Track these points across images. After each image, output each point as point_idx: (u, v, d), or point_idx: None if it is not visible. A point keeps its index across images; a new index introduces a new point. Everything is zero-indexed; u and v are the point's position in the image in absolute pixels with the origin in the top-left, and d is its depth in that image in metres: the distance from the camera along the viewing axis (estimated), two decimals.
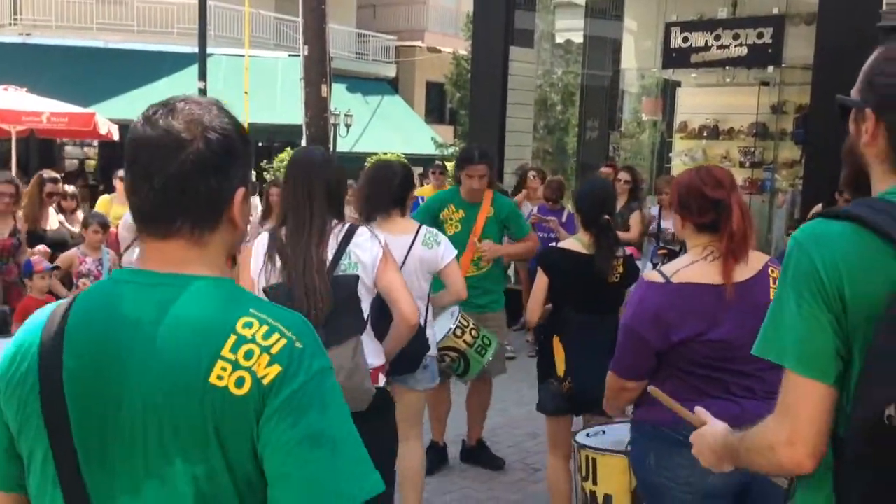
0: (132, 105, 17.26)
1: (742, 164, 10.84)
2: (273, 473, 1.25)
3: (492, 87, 10.82)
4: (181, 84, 17.15)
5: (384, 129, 22.87)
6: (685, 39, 9.91)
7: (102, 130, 11.63)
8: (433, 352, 4.11)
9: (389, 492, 2.91)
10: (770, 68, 10.02)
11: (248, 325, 1.27)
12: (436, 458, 5.13)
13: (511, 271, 9.08)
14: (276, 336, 1.27)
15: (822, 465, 1.50)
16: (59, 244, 6.53)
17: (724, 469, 1.81)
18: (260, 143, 20.33)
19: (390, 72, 26.37)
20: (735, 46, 9.56)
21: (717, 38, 9.65)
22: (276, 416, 1.24)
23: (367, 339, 3.09)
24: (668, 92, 12.53)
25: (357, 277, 3.02)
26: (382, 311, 3.29)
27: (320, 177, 3.08)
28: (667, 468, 2.57)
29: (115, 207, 7.98)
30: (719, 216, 2.67)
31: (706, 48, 9.75)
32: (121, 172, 8.50)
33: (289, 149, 16.83)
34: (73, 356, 1.28)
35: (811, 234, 1.49)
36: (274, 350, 1.26)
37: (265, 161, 18.49)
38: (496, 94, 10.76)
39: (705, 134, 11.13)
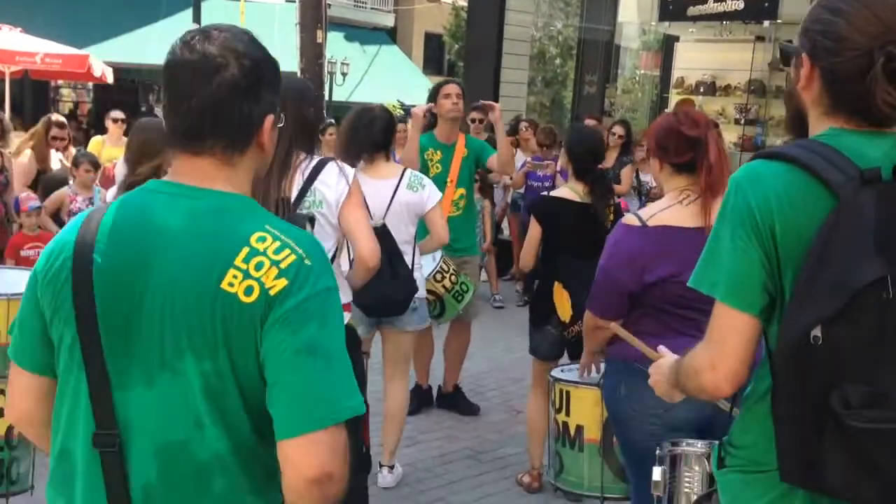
0: (127, 48, 17.18)
1: (737, 122, 10.82)
2: (271, 378, 1.36)
3: (487, 37, 10.77)
4: (177, 27, 16.87)
5: (381, 78, 22.65)
6: None
7: (97, 73, 11.52)
8: (422, 293, 4.15)
9: (357, 428, 2.93)
10: (766, 23, 9.98)
11: (262, 240, 1.38)
12: (420, 399, 5.22)
13: (504, 224, 9.12)
14: (286, 252, 1.37)
15: (762, 390, 1.60)
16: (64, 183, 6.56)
17: (675, 398, 1.91)
18: None
19: (388, 21, 26.10)
20: (732, 0, 9.50)
21: None
22: (278, 324, 1.34)
23: None
24: (665, 47, 12.47)
25: (310, 217, 2.94)
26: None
27: (292, 108, 3.01)
28: (636, 399, 2.66)
29: (107, 149, 7.96)
30: (696, 156, 2.72)
31: (702, 1, 9.69)
32: (113, 114, 8.47)
33: None
34: (102, 254, 1.41)
35: (748, 174, 1.58)
36: (283, 265, 1.36)
37: None
38: (491, 43, 10.72)
39: (702, 90, 11.07)
